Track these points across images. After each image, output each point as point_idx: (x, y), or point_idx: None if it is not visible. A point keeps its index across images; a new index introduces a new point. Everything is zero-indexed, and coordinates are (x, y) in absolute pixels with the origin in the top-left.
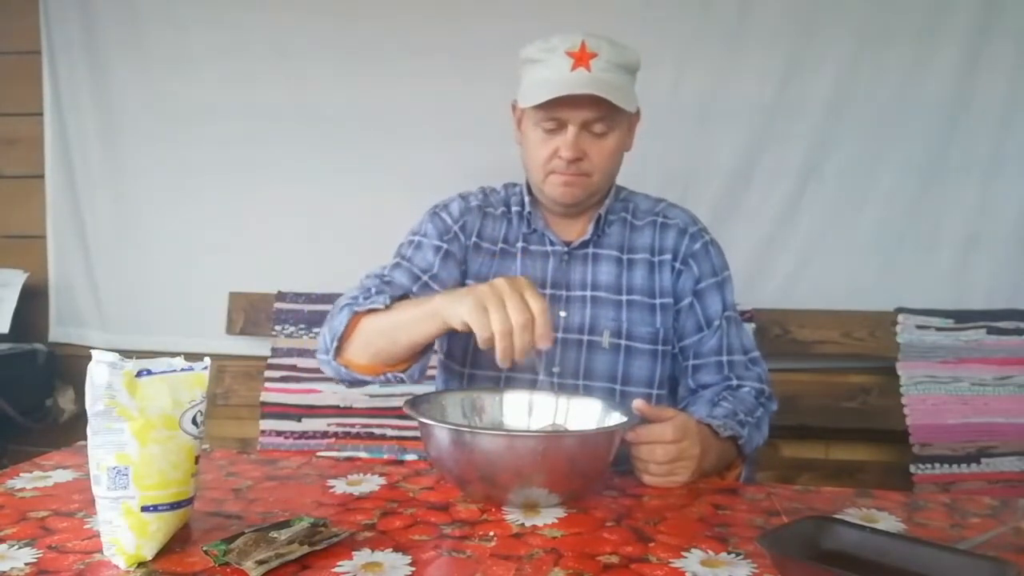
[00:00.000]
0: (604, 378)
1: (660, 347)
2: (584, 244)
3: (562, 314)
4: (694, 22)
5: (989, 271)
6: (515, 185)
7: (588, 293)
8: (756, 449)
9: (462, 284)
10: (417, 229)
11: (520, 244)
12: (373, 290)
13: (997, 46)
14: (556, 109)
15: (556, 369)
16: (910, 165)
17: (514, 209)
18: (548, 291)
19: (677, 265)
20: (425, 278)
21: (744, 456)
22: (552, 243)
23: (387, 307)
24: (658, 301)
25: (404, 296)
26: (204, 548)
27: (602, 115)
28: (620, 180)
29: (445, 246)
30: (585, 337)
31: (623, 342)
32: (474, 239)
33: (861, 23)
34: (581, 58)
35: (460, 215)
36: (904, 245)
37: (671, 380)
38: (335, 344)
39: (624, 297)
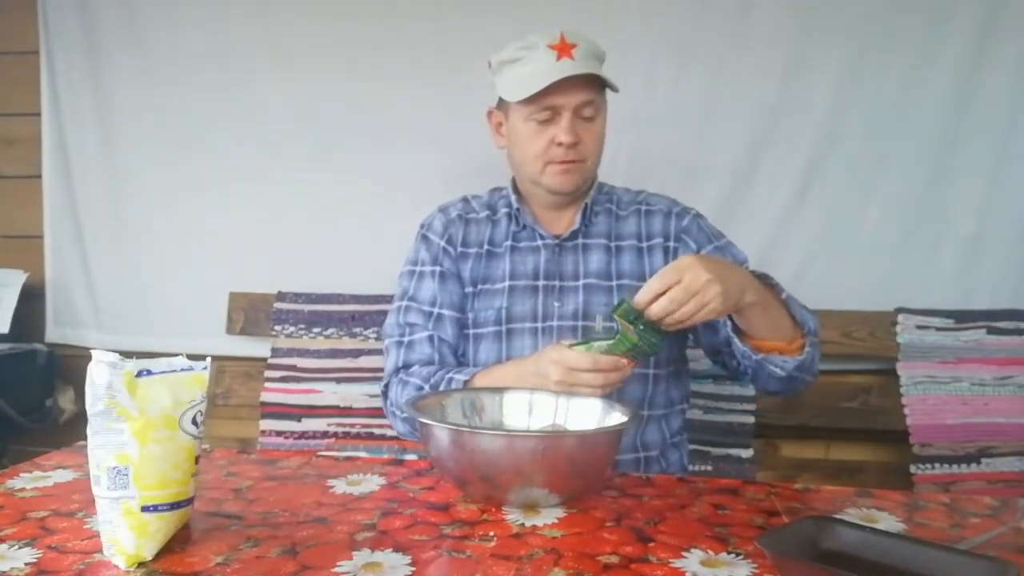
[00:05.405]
0: None
1: None
2: (574, 235)
3: (556, 304)
4: (694, 21)
5: (992, 272)
6: (501, 189)
7: (580, 282)
8: (815, 338)
9: (463, 293)
10: (414, 258)
11: (508, 243)
12: (401, 358)
13: (1001, 46)
14: (549, 98)
15: None
16: (913, 165)
17: (501, 211)
18: (541, 282)
19: (671, 244)
20: (435, 310)
21: (802, 330)
22: (542, 237)
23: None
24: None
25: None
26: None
27: (591, 99)
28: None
29: (439, 268)
30: (580, 324)
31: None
32: (460, 248)
33: (864, 22)
34: (563, 49)
35: (444, 229)
36: (907, 246)
37: (668, 360)
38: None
39: (615, 283)
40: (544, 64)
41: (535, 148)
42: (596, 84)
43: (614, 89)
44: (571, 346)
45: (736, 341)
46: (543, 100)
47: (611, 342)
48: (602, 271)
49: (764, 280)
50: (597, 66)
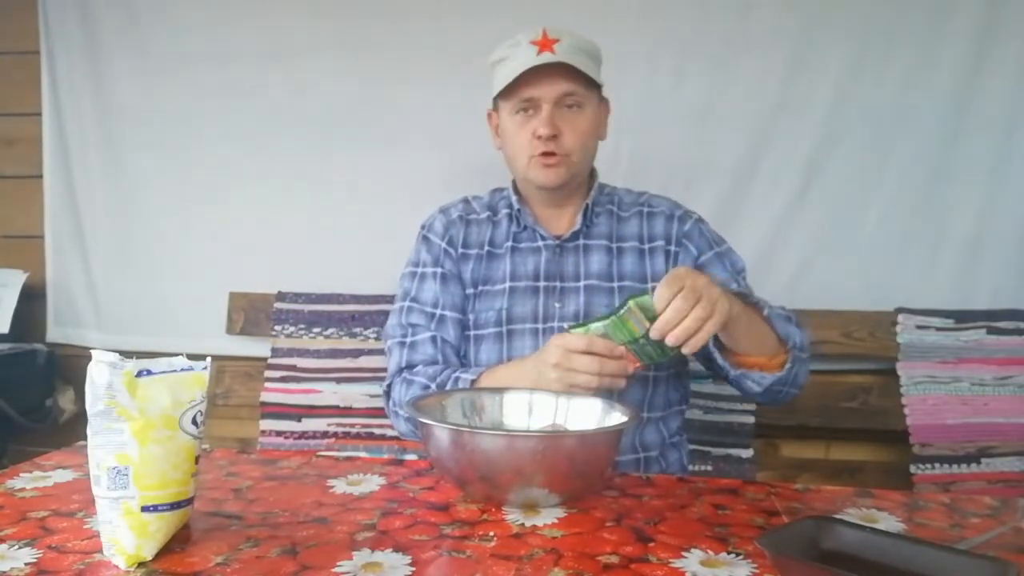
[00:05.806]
0: None
1: None
2: (575, 236)
3: (557, 305)
4: (694, 21)
5: (992, 272)
6: (502, 189)
7: (581, 283)
8: (801, 352)
9: (465, 294)
10: (415, 259)
11: (508, 244)
12: (404, 359)
13: (1001, 46)
14: (527, 90)
15: None
16: (913, 165)
17: (502, 212)
18: (542, 283)
19: (672, 248)
20: (438, 311)
21: (786, 346)
22: (543, 238)
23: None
24: (649, 286)
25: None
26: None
27: (572, 90)
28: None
29: (441, 270)
30: None
31: None
32: (461, 249)
33: (864, 22)
34: (545, 44)
35: (444, 231)
36: (907, 246)
37: (668, 363)
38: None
39: (616, 284)
40: (525, 59)
41: (520, 142)
42: (581, 77)
43: (597, 82)
44: (570, 328)
45: (716, 355)
46: (521, 92)
47: (606, 322)
48: (603, 272)
49: (744, 298)
50: (581, 59)
